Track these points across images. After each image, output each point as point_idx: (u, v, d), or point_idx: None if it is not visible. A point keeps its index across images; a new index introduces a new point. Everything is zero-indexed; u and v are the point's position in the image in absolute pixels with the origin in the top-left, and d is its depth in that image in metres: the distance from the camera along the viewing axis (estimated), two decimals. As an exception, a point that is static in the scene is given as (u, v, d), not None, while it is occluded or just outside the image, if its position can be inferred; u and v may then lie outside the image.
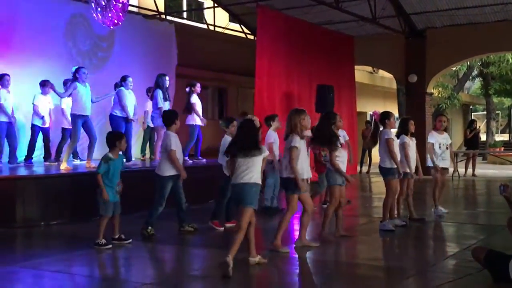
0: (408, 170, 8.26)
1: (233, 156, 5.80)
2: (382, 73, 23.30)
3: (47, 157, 11.27)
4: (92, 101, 10.11)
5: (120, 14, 9.54)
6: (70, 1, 12.66)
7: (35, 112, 11.00)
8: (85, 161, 10.42)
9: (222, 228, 7.98)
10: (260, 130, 5.95)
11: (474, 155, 17.58)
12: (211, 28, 18.23)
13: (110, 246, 6.75)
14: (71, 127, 10.57)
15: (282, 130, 9.11)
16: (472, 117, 31.64)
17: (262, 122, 8.18)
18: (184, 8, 19.32)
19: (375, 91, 24.21)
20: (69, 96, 10.05)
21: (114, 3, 9.40)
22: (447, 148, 9.13)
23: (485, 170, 18.91)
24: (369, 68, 22.57)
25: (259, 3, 13.45)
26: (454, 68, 23.99)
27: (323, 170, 8.74)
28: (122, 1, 9.55)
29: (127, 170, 7.40)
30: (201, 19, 18.84)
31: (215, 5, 17.73)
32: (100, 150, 9.54)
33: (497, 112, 37.02)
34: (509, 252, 5.27)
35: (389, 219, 8.04)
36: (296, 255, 6.52)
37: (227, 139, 7.67)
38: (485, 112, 30.49)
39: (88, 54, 12.93)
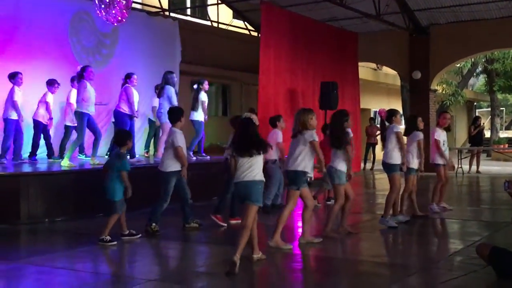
0: (412, 166, 8.32)
1: (236, 154, 5.81)
2: (386, 69, 23.23)
3: (50, 154, 11.29)
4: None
5: (124, 11, 9.52)
6: (74, -2, 12.66)
7: (40, 109, 10.98)
8: (90, 158, 10.41)
9: (225, 224, 7.99)
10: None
11: (478, 151, 17.55)
12: (215, 25, 18.21)
13: (115, 242, 6.78)
14: (74, 125, 10.55)
15: (285, 130, 9.17)
16: (477, 114, 31.54)
17: (266, 120, 8.18)
18: (188, 5, 19.29)
19: (379, 88, 24.14)
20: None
21: (118, 0, 9.39)
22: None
23: (489, 166, 18.86)
24: (373, 65, 22.49)
25: (263, 0, 13.45)
26: (458, 65, 23.88)
27: None
28: (126, -2, 9.54)
29: (132, 166, 7.41)
30: (205, 16, 18.82)
31: (219, 2, 17.71)
32: (101, 147, 9.48)
33: (501, 108, 36.86)
34: (513, 249, 5.28)
35: (392, 215, 8.06)
36: (299, 252, 6.52)
37: None
38: (489, 109, 30.36)
39: (92, 51, 12.92)
